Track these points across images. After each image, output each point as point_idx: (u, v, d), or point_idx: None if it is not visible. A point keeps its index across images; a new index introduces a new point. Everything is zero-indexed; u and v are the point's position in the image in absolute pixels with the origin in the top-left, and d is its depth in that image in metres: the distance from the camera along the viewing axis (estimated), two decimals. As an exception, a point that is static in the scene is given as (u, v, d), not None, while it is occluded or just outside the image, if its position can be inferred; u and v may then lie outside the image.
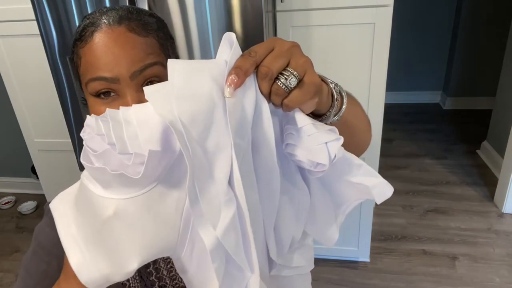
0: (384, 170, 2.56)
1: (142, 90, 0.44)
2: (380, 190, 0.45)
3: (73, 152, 1.55)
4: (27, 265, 0.61)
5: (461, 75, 3.59)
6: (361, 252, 1.85)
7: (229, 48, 0.38)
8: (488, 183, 2.48)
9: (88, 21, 0.54)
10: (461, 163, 2.75)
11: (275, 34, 1.49)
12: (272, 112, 0.41)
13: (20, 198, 2.65)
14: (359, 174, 0.45)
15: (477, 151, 2.88)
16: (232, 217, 0.39)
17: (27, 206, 2.52)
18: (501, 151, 2.45)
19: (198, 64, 0.38)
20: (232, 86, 0.37)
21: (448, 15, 3.54)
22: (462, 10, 3.36)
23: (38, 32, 1.35)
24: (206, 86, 0.37)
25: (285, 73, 0.38)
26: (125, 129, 0.36)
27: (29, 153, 1.91)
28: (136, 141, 0.36)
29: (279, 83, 0.38)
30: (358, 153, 0.58)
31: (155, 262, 0.63)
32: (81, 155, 0.38)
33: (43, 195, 2.07)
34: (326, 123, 0.45)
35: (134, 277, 0.62)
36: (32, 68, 1.71)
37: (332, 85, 0.46)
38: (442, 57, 3.71)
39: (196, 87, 0.37)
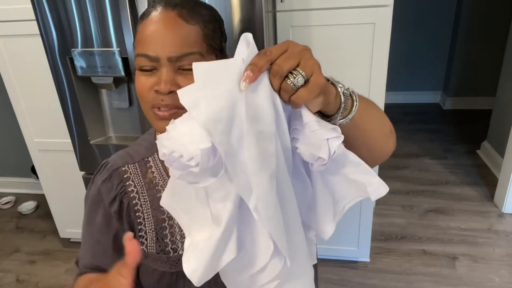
0: (384, 170, 2.56)
1: (177, 71, 0.58)
2: (376, 188, 0.49)
3: (73, 152, 1.55)
4: (86, 221, 0.72)
5: (461, 75, 3.59)
6: (361, 252, 1.85)
7: (246, 48, 0.43)
8: (488, 183, 2.48)
9: (152, 1, 0.61)
10: (461, 163, 2.75)
11: (275, 34, 1.48)
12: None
13: (20, 198, 2.65)
14: (357, 171, 0.49)
15: (477, 151, 2.88)
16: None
17: (27, 206, 2.52)
18: (501, 151, 2.45)
19: (218, 64, 0.43)
20: (247, 80, 0.41)
21: (448, 15, 3.54)
22: (462, 10, 3.36)
23: (38, 32, 1.35)
24: (226, 85, 0.42)
25: (294, 72, 0.42)
26: (184, 141, 0.44)
27: (29, 153, 1.91)
28: (194, 145, 0.43)
29: (288, 81, 0.42)
30: (375, 160, 0.61)
31: (171, 226, 0.69)
32: (171, 169, 0.46)
33: (43, 195, 2.07)
34: (334, 124, 0.48)
35: (151, 237, 0.69)
36: (32, 68, 1.71)
37: (341, 89, 0.49)
38: (442, 57, 3.71)
39: (218, 87, 0.42)
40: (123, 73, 1.32)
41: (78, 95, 1.43)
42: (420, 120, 3.51)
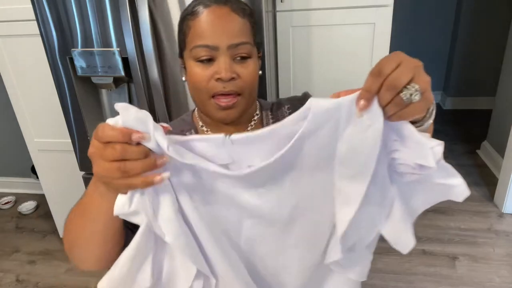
0: (384, 170, 2.55)
1: (233, 60, 0.64)
2: (461, 190, 0.48)
3: (73, 152, 1.55)
4: None
5: (461, 75, 3.59)
6: (361, 252, 1.85)
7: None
8: (488, 183, 2.48)
9: (198, 1, 0.66)
10: (461, 163, 2.74)
11: (275, 34, 1.48)
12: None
13: (20, 198, 2.65)
14: (441, 175, 0.48)
15: (477, 151, 2.88)
16: None
17: (27, 206, 2.51)
18: (501, 151, 2.45)
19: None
20: (363, 109, 0.43)
21: (448, 15, 3.54)
22: (462, 10, 3.36)
23: (38, 32, 1.35)
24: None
25: (409, 87, 0.41)
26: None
27: (29, 153, 1.91)
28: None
29: (402, 95, 0.42)
30: None
31: None
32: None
33: (43, 195, 2.07)
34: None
35: None
36: (32, 68, 1.71)
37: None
38: (442, 57, 3.71)
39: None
40: (123, 73, 1.32)
41: (78, 95, 1.43)
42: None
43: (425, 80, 0.43)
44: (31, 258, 2.11)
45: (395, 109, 0.42)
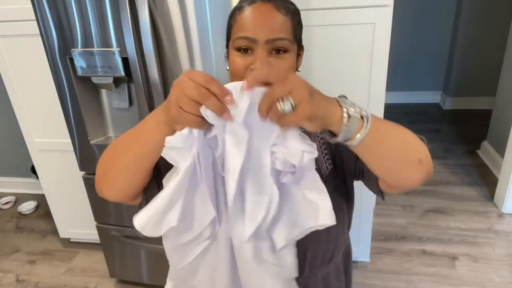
0: (384, 170, 2.55)
1: (270, 54, 0.69)
2: (326, 213, 0.57)
3: (73, 152, 1.55)
4: None
5: (461, 75, 3.59)
6: (361, 252, 1.85)
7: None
8: (488, 183, 2.48)
9: None
10: (461, 163, 2.75)
11: (275, 34, 1.48)
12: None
13: (20, 198, 2.65)
14: (312, 187, 0.57)
15: (477, 151, 2.88)
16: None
17: (27, 206, 2.52)
18: (501, 151, 2.45)
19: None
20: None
21: (448, 15, 3.54)
22: (462, 10, 3.36)
23: (38, 32, 1.35)
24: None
25: (284, 99, 0.48)
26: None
27: (29, 153, 1.91)
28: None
29: (278, 105, 0.49)
30: (398, 186, 0.64)
31: None
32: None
33: (43, 195, 2.07)
34: (338, 142, 0.55)
35: None
36: (32, 68, 1.71)
37: (348, 112, 0.53)
38: (442, 57, 3.71)
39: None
40: (123, 73, 1.32)
41: (78, 95, 1.43)
42: (420, 120, 3.51)
43: (300, 95, 0.48)
44: (31, 258, 2.11)
45: (273, 116, 0.50)
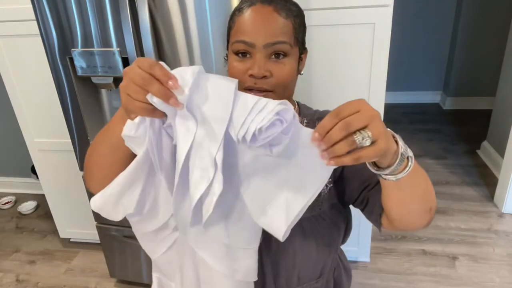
0: (384, 170, 2.55)
1: (269, 58, 0.67)
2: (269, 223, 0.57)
3: (73, 152, 1.55)
4: None
5: (461, 75, 3.59)
6: (361, 252, 1.85)
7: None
8: (488, 183, 2.48)
9: None
10: (461, 163, 2.75)
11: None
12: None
13: (20, 198, 2.65)
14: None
15: (477, 151, 2.88)
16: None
17: (27, 206, 2.51)
18: (501, 151, 2.45)
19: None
20: (315, 140, 0.47)
21: (448, 15, 3.54)
22: (462, 10, 3.36)
23: (38, 32, 1.35)
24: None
25: (362, 132, 0.45)
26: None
27: (29, 153, 1.91)
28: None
29: (355, 138, 0.45)
30: (403, 227, 0.63)
31: None
32: None
33: (43, 195, 2.07)
34: (381, 175, 0.53)
35: None
36: (32, 68, 1.71)
37: (401, 149, 0.51)
38: (442, 57, 3.71)
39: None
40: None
41: (78, 95, 1.43)
42: (420, 120, 3.51)
43: (379, 130, 0.46)
44: (31, 258, 2.11)
45: (345, 147, 0.45)
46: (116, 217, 0.62)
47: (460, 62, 3.54)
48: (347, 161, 0.46)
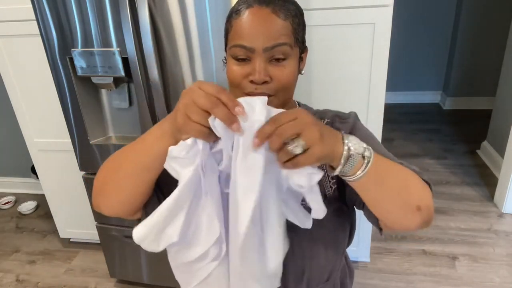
0: (384, 170, 2.55)
1: (269, 62, 0.65)
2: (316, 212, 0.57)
3: (73, 152, 1.55)
4: None
5: (461, 75, 3.59)
6: (361, 252, 1.85)
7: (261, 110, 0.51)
8: (488, 183, 2.48)
9: (243, 0, 0.67)
10: (461, 163, 2.75)
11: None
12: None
13: (20, 198, 2.65)
14: (314, 201, 0.56)
15: (477, 151, 2.88)
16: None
17: (27, 206, 2.52)
18: (501, 151, 2.45)
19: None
20: (255, 146, 0.50)
21: (448, 15, 3.54)
22: (462, 10, 3.36)
23: (38, 32, 1.35)
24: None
25: (295, 140, 0.48)
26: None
27: (29, 153, 1.91)
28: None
29: (288, 147, 0.48)
30: (394, 227, 0.63)
31: None
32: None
33: (43, 195, 2.07)
34: (341, 176, 0.55)
35: None
36: (32, 68, 1.71)
37: (349, 151, 0.52)
38: (442, 57, 3.71)
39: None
40: (123, 73, 1.32)
41: (78, 95, 1.43)
42: (420, 120, 3.51)
43: (312, 137, 0.48)
44: (31, 258, 2.11)
45: (284, 156, 0.49)
46: (158, 248, 0.59)
47: (460, 62, 3.55)
48: (290, 166, 0.50)
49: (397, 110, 3.67)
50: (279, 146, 0.48)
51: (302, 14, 0.71)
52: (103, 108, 1.53)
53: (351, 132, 0.73)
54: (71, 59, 1.35)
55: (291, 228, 0.64)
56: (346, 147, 0.52)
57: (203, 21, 1.20)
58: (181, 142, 0.53)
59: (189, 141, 0.52)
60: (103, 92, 1.50)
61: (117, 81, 1.39)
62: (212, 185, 0.56)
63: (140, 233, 0.57)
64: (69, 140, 1.54)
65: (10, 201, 2.62)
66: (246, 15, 0.65)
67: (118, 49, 1.29)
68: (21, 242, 2.24)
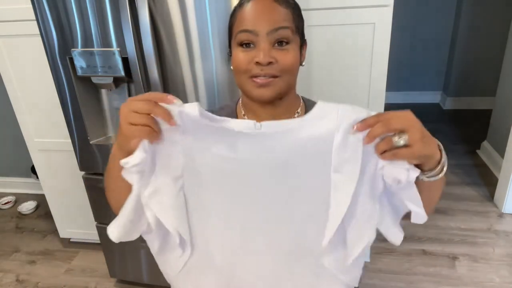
0: (384, 170, 2.55)
1: (273, 46, 0.69)
2: (420, 216, 0.60)
3: (73, 152, 1.55)
4: None
5: (461, 75, 3.59)
6: (361, 252, 1.85)
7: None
8: (488, 183, 2.48)
9: None
10: (461, 163, 2.75)
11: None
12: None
13: (20, 198, 2.65)
14: (412, 202, 0.59)
15: (477, 151, 2.88)
16: None
17: (27, 206, 2.52)
18: (501, 151, 2.45)
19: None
20: (356, 130, 0.54)
21: (448, 15, 3.54)
22: (462, 10, 3.36)
23: (38, 32, 1.35)
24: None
25: (401, 135, 0.52)
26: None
27: (29, 153, 1.91)
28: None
29: (393, 137, 0.53)
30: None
31: None
32: None
33: (43, 195, 2.07)
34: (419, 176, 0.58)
35: None
36: (32, 68, 1.71)
37: (443, 158, 0.58)
38: (442, 57, 3.71)
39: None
40: (123, 73, 1.32)
41: (78, 95, 1.43)
42: (420, 120, 3.51)
43: (417, 136, 0.52)
44: (31, 258, 2.11)
45: (384, 145, 0.53)
46: (132, 238, 0.65)
47: (460, 62, 3.55)
48: (388, 156, 0.54)
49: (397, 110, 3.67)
50: (382, 132, 0.52)
51: (300, 10, 0.75)
52: (103, 108, 1.53)
53: None
54: (71, 59, 1.35)
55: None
56: (444, 156, 0.58)
57: (203, 21, 1.20)
58: (133, 155, 0.58)
59: (136, 153, 0.58)
60: (103, 92, 1.50)
61: (117, 81, 1.39)
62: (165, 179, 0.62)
63: (114, 233, 0.63)
64: (69, 140, 1.54)
65: (10, 201, 2.62)
66: (249, 5, 0.70)
67: (118, 49, 1.29)
68: (21, 242, 2.24)
